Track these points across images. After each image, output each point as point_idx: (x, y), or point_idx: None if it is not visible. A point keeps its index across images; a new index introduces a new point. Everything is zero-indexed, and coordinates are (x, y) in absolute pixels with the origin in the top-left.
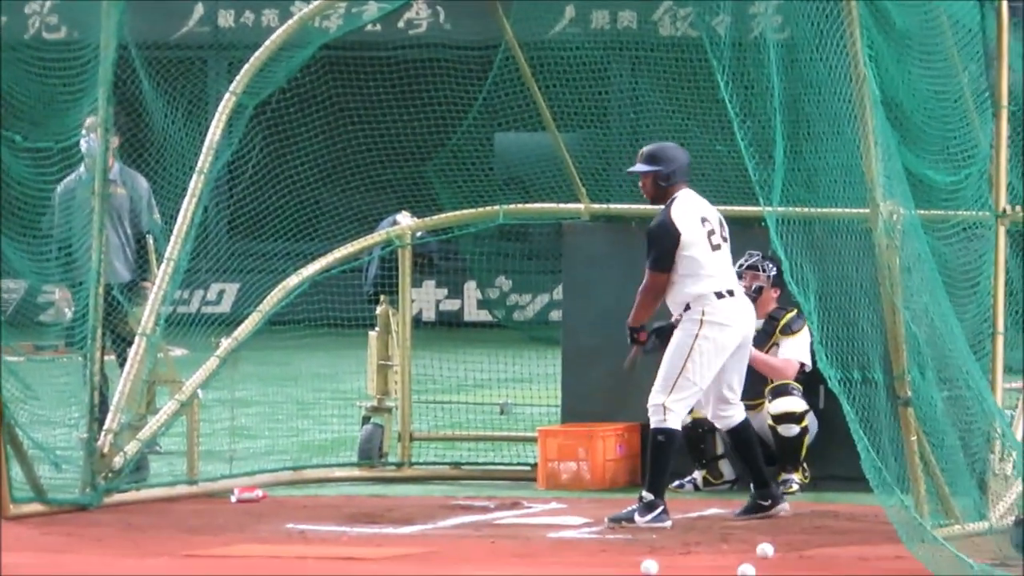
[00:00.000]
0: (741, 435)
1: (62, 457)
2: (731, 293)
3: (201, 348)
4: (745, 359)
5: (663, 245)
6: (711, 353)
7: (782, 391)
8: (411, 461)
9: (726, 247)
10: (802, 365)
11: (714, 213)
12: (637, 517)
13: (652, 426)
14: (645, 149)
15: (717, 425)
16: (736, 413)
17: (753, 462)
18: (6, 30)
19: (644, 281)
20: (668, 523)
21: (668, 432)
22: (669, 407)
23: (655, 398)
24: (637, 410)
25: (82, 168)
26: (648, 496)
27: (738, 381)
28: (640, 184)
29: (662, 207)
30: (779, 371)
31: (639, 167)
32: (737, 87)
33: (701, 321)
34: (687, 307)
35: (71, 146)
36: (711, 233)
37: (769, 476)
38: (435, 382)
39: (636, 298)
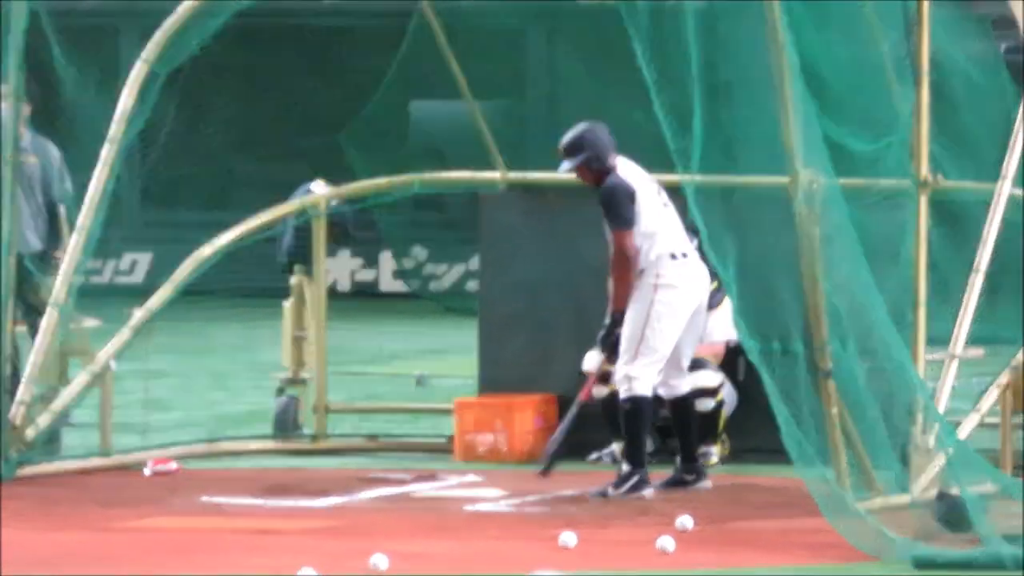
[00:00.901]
0: (682, 406)
1: None
2: (684, 255)
3: (114, 319)
4: (699, 327)
5: (622, 202)
6: (668, 317)
7: (696, 365)
8: (327, 433)
9: (671, 209)
10: (728, 342)
11: (651, 178)
12: (611, 490)
13: (620, 396)
14: (562, 144)
15: (661, 392)
16: (683, 383)
17: (687, 435)
18: None
19: (613, 249)
20: (647, 492)
21: (635, 400)
22: (633, 375)
23: (620, 370)
24: (555, 382)
25: None
26: (625, 468)
27: (690, 350)
28: (578, 177)
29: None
30: (707, 356)
31: (567, 164)
32: (655, 55)
33: (655, 286)
34: (642, 271)
35: None
36: (658, 192)
37: (698, 453)
38: (351, 353)
39: (612, 277)
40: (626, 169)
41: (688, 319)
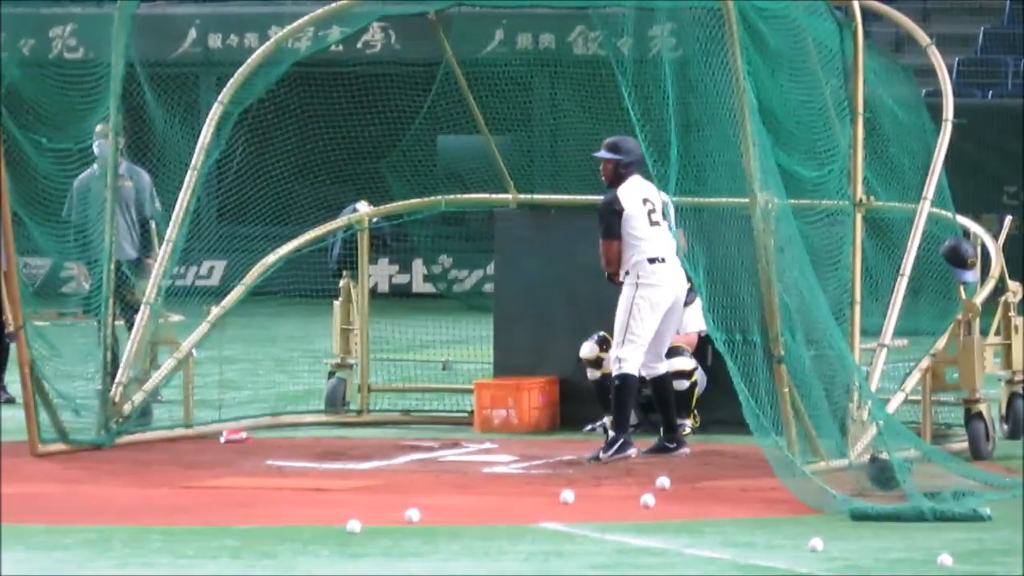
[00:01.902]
0: (662, 385)
1: (81, 405)
2: (663, 260)
3: (195, 315)
4: (676, 321)
5: (608, 218)
6: (648, 310)
7: (675, 352)
8: (369, 408)
9: (665, 224)
10: (700, 332)
11: (657, 196)
12: (601, 454)
13: (612, 374)
14: (609, 139)
15: (643, 374)
16: (662, 366)
17: (667, 409)
18: (34, 51)
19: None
20: (631, 452)
21: (623, 377)
22: (622, 358)
23: (612, 353)
24: (556, 366)
25: (95, 165)
26: (611, 434)
27: (668, 339)
28: (601, 167)
29: (609, 189)
30: (683, 345)
31: (604, 154)
32: (638, 97)
33: (637, 284)
34: (627, 272)
35: (87, 147)
36: (651, 212)
37: (677, 424)
38: (388, 343)
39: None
40: (632, 186)
41: (666, 311)
